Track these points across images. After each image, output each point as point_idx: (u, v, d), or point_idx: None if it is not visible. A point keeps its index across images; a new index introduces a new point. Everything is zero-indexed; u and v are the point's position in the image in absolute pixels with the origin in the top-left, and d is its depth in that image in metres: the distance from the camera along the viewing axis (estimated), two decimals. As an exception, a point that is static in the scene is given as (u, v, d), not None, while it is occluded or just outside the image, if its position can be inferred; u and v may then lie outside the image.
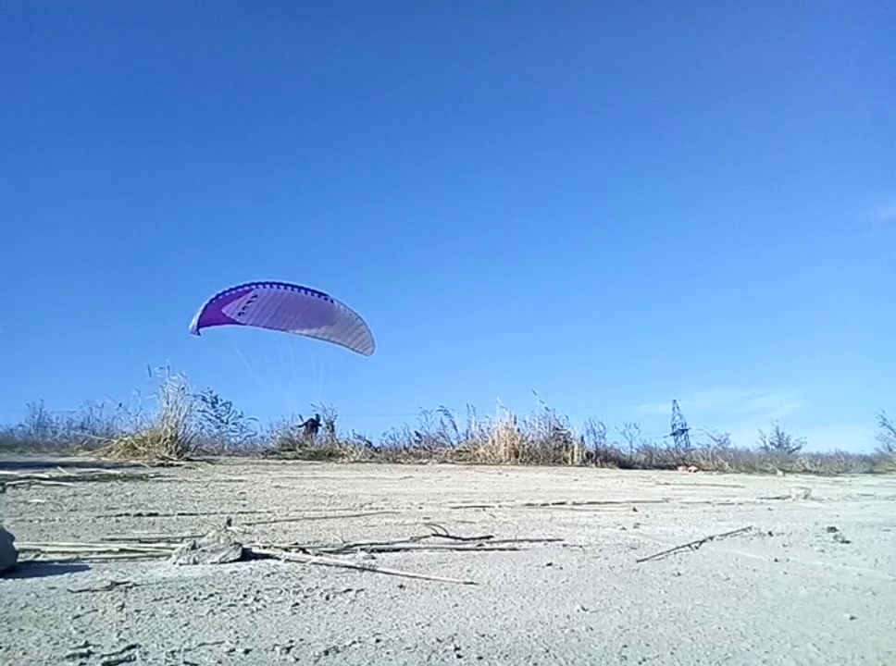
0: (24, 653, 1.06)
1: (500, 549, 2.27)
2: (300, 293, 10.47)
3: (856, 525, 3.37)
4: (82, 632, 1.18)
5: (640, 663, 1.12)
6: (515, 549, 2.28)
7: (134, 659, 1.05)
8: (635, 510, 3.97)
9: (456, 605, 1.47)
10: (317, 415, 12.63)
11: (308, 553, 1.97)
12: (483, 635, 1.24)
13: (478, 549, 2.25)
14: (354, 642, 1.17)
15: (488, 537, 2.50)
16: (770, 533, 2.92)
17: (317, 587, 1.59)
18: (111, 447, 7.99)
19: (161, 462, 7.23)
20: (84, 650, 1.07)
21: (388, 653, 1.12)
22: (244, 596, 1.48)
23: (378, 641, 1.18)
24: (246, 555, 1.91)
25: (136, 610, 1.33)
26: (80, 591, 1.47)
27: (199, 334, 9.82)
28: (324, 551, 2.03)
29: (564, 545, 2.42)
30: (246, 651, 1.10)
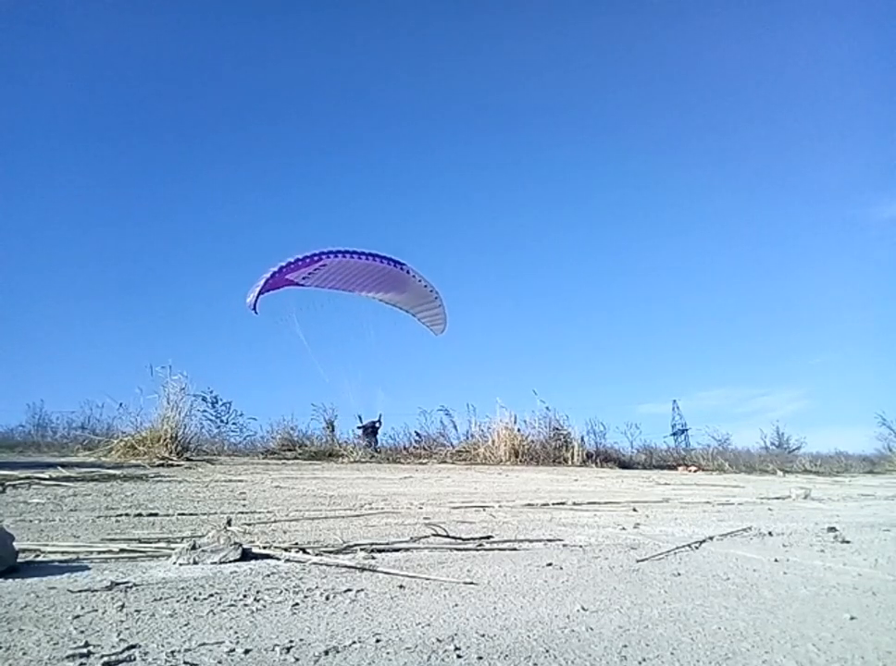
0: (24, 653, 1.06)
1: (500, 550, 2.27)
2: (373, 262, 9.63)
3: (856, 525, 3.37)
4: (82, 632, 1.18)
5: (640, 663, 1.12)
6: (515, 550, 2.28)
7: (134, 659, 1.05)
8: (635, 510, 3.97)
9: (456, 605, 1.47)
10: (380, 417, 11.33)
11: (308, 553, 1.97)
12: (483, 635, 1.24)
13: (478, 550, 2.25)
14: (354, 642, 1.17)
15: (488, 537, 2.50)
16: (770, 533, 2.92)
17: (317, 587, 1.59)
18: (111, 447, 7.98)
19: (161, 462, 7.23)
20: (84, 650, 1.07)
21: (388, 653, 1.12)
22: (244, 596, 1.48)
23: (378, 641, 1.18)
24: (246, 555, 1.91)
25: (136, 610, 1.33)
26: (80, 591, 1.47)
27: (256, 312, 8.97)
28: (324, 551, 2.03)
29: (564, 545, 2.42)
30: (246, 651, 1.10)
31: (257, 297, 8.96)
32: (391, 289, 10.45)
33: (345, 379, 10.44)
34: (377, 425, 11.36)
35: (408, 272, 10.11)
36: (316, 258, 9.11)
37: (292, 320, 9.34)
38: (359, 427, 11.21)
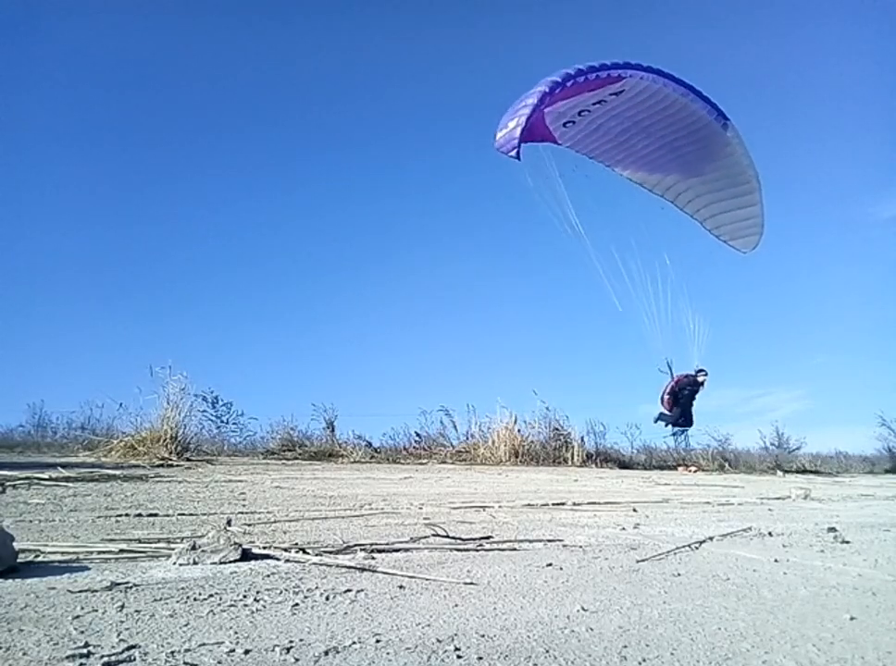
0: (24, 653, 1.06)
1: (500, 550, 2.27)
2: (689, 100, 5.72)
3: (856, 526, 3.37)
4: (82, 632, 1.18)
5: (640, 663, 1.12)
6: (514, 550, 2.28)
7: (134, 659, 1.05)
8: (635, 510, 3.97)
9: (456, 605, 1.47)
10: (697, 372, 6.68)
11: (308, 553, 1.97)
12: (483, 636, 1.24)
13: (477, 550, 2.25)
14: (354, 642, 1.17)
15: (488, 538, 2.50)
16: (770, 533, 2.92)
17: (316, 588, 1.59)
18: (111, 447, 7.98)
19: (161, 462, 7.23)
20: (84, 651, 1.07)
21: (388, 653, 1.12)
22: (244, 596, 1.48)
23: (378, 641, 1.18)
24: (246, 555, 1.91)
25: (136, 611, 1.33)
26: (80, 591, 1.47)
27: (520, 159, 5.22)
28: (324, 552, 2.03)
29: (564, 545, 2.42)
30: (246, 651, 1.10)
31: (520, 140, 5.18)
32: (689, 162, 6.08)
33: (645, 303, 6.22)
34: (698, 378, 6.71)
35: (729, 132, 5.97)
36: (615, 75, 5.36)
37: (550, 184, 5.59)
38: (678, 380, 6.58)
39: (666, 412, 6.65)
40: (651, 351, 6.46)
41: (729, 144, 5.99)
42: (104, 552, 1.94)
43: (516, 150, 5.14)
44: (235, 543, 1.93)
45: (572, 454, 11.73)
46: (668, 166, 6.19)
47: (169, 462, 7.30)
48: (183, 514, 3.07)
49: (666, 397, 6.72)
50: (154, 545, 2.07)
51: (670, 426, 6.90)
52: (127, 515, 2.93)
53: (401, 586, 1.64)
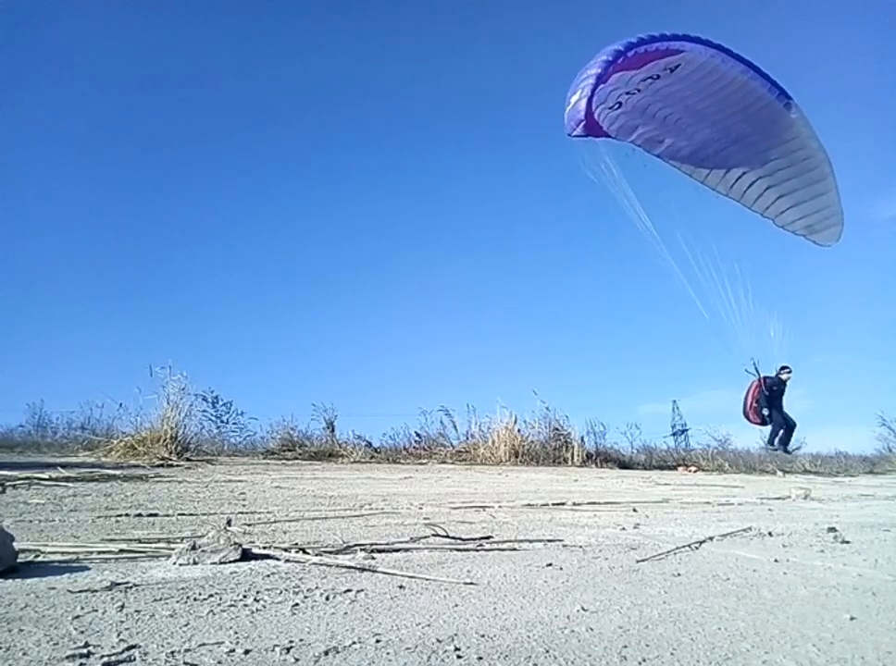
0: (24, 653, 1.06)
1: (500, 550, 2.27)
2: (749, 78, 5.07)
3: (856, 526, 3.37)
4: (82, 632, 1.18)
5: (640, 664, 1.12)
6: (515, 550, 2.28)
7: (134, 659, 1.05)
8: (635, 510, 3.97)
9: (456, 605, 1.47)
10: (786, 368, 5.96)
11: (308, 553, 1.97)
12: (483, 636, 1.24)
13: (477, 550, 2.25)
14: (354, 642, 1.17)
15: (488, 538, 2.50)
16: (770, 533, 2.92)
17: (316, 588, 1.59)
18: (111, 447, 7.98)
19: (161, 462, 7.23)
20: (84, 651, 1.07)
21: (388, 653, 1.12)
22: (244, 596, 1.48)
23: (378, 641, 1.18)
24: (246, 555, 1.91)
25: (136, 611, 1.33)
26: (80, 591, 1.47)
27: (586, 135, 4.68)
28: (324, 552, 2.03)
29: (564, 545, 2.42)
30: (246, 651, 1.10)
31: (586, 113, 4.52)
32: (755, 147, 5.40)
33: (724, 299, 5.48)
34: (781, 377, 5.94)
35: (793, 113, 5.27)
36: (674, 48, 4.74)
37: (609, 175, 4.98)
38: (759, 381, 5.79)
39: (760, 425, 5.94)
40: (735, 350, 5.85)
41: (794, 125, 5.33)
42: (104, 552, 1.94)
43: (581, 124, 4.51)
44: (235, 543, 1.93)
45: (572, 454, 11.73)
46: (730, 156, 5.55)
47: (169, 462, 7.30)
48: (183, 514, 3.07)
49: (753, 405, 5.84)
50: (154, 545, 2.07)
51: (779, 446, 6.17)
52: (127, 515, 2.93)
53: (401, 586, 1.64)
